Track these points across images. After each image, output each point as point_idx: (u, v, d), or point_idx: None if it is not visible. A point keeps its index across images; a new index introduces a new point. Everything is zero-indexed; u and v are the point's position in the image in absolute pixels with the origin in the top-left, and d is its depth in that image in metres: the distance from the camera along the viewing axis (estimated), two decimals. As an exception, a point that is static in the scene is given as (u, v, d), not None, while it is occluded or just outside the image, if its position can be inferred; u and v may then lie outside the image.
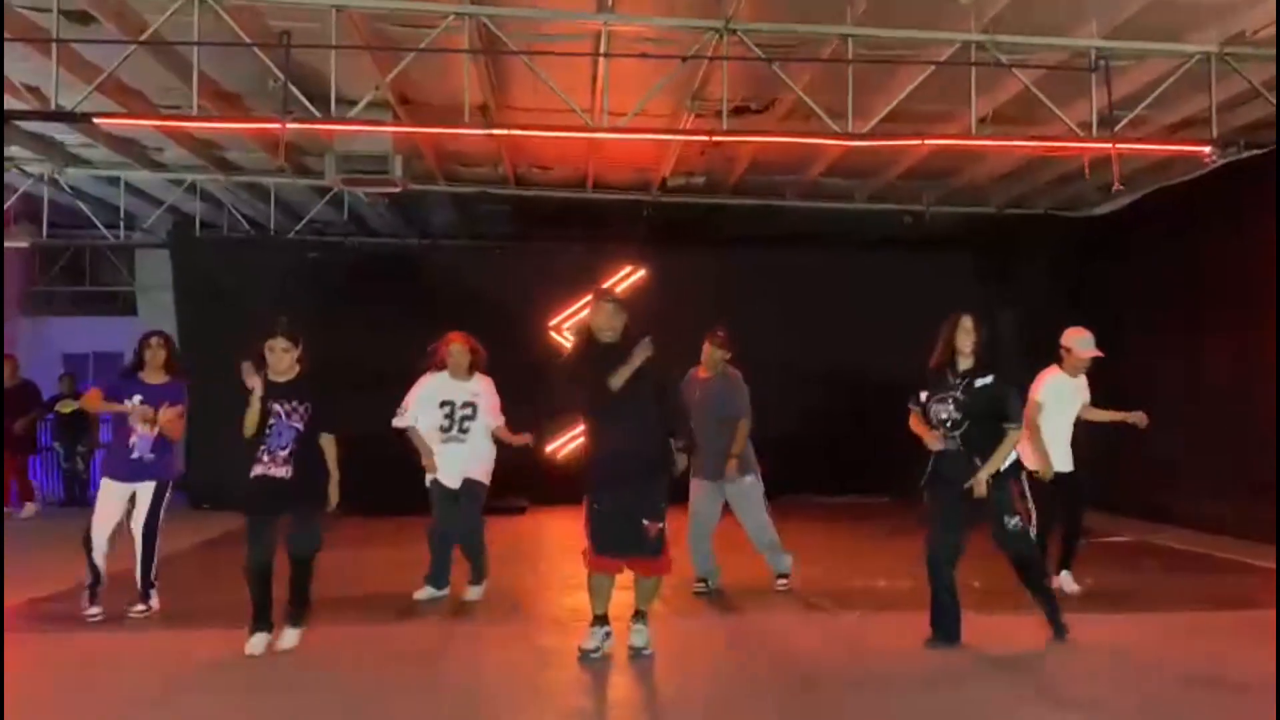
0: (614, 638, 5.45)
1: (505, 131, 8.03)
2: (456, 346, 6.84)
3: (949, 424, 5.44)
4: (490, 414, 6.88)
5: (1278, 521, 8.37)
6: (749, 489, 6.94)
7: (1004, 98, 7.89)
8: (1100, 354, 6.74)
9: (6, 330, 12.87)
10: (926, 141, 7.84)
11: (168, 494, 6.45)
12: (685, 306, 11.34)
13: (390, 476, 10.62)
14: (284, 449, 5.51)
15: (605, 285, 5.78)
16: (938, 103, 8.09)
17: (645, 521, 5.23)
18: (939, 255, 12.83)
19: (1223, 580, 7.67)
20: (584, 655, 5.35)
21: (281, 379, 5.58)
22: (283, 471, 5.50)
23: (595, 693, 4.93)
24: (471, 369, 6.88)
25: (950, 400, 5.45)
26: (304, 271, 12.38)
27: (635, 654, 5.34)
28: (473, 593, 6.81)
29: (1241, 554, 8.48)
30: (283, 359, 5.54)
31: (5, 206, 11.42)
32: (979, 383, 5.43)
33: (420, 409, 6.82)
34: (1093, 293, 12.02)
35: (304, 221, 12.99)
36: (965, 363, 5.48)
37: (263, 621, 5.48)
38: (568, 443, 12.73)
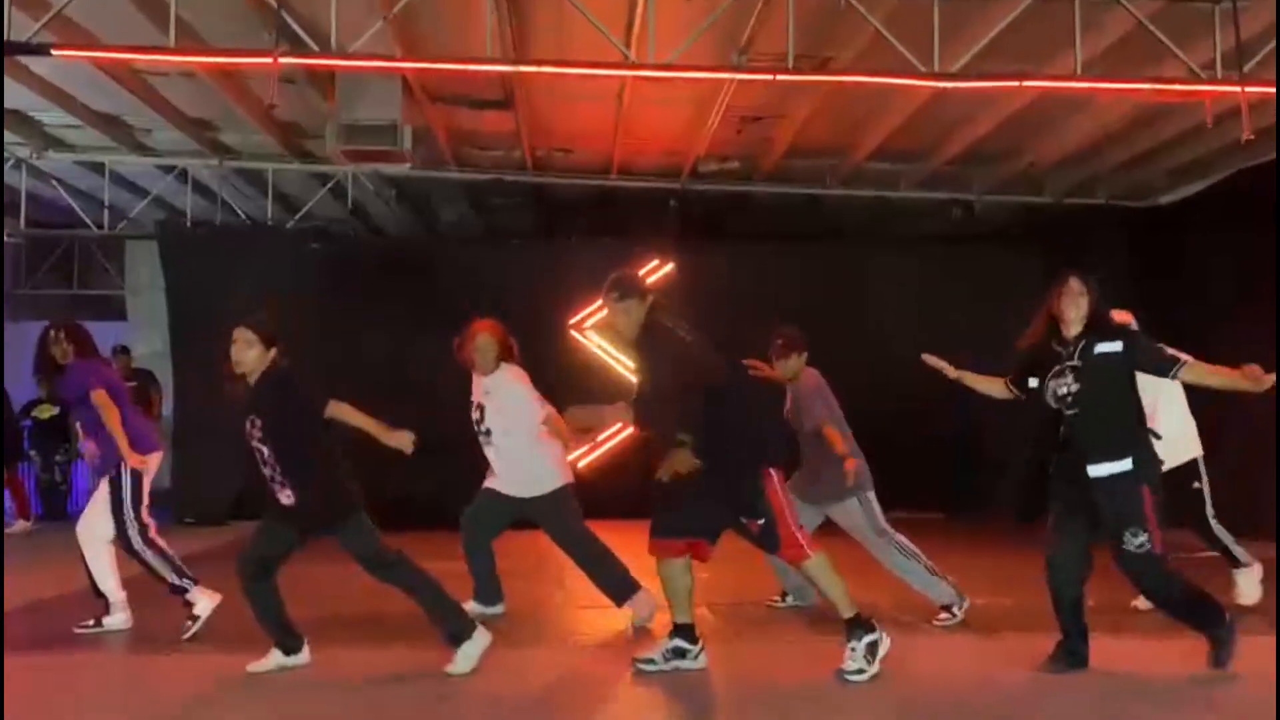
0: (699, 662, 4.59)
1: (531, 69, 7.05)
2: (482, 338, 5.82)
3: (1067, 399, 4.49)
4: (512, 413, 5.78)
5: (1277, 525, 7.78)
6: (850, 511, 5.77)
7: (1098, 47, 6.90)
8: None
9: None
10: (1025, 84, 6.83)
11: (122, 486, 5.54)
12: (716, 304, 10.40)
13: (406, 488, 9.73)
14: (275, 478, 4.53)
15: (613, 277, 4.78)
16: (1025, 59, 7.12)
17: (744, 520, 4.44)
18: (992, 250, 11.90)
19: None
20: (634, 665, 4.57)
21: (252, 382, 4.61)
22: (286, 499, 4.54)
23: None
24: (498, 361, 5.85)
25: (1068, 371, 4.51)
26: (305, 267, 11.41)
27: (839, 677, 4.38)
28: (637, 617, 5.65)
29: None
30: (242, 354, 4.55)
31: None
32: (1100, 349, 4.49)
33: None
34: (1163, 290, 11.07)
35: (302, 212, 12.02)
36: (1075, 329, 4.55)
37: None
38: (587, 454, 11.78)
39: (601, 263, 11.36)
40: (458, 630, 4.53)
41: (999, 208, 11.74)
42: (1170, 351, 4.62)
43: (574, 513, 5.77)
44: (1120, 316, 5.70)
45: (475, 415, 5.87)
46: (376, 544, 4.54)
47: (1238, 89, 6.40)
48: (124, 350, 11.22)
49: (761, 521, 4.38)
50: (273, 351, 4.59)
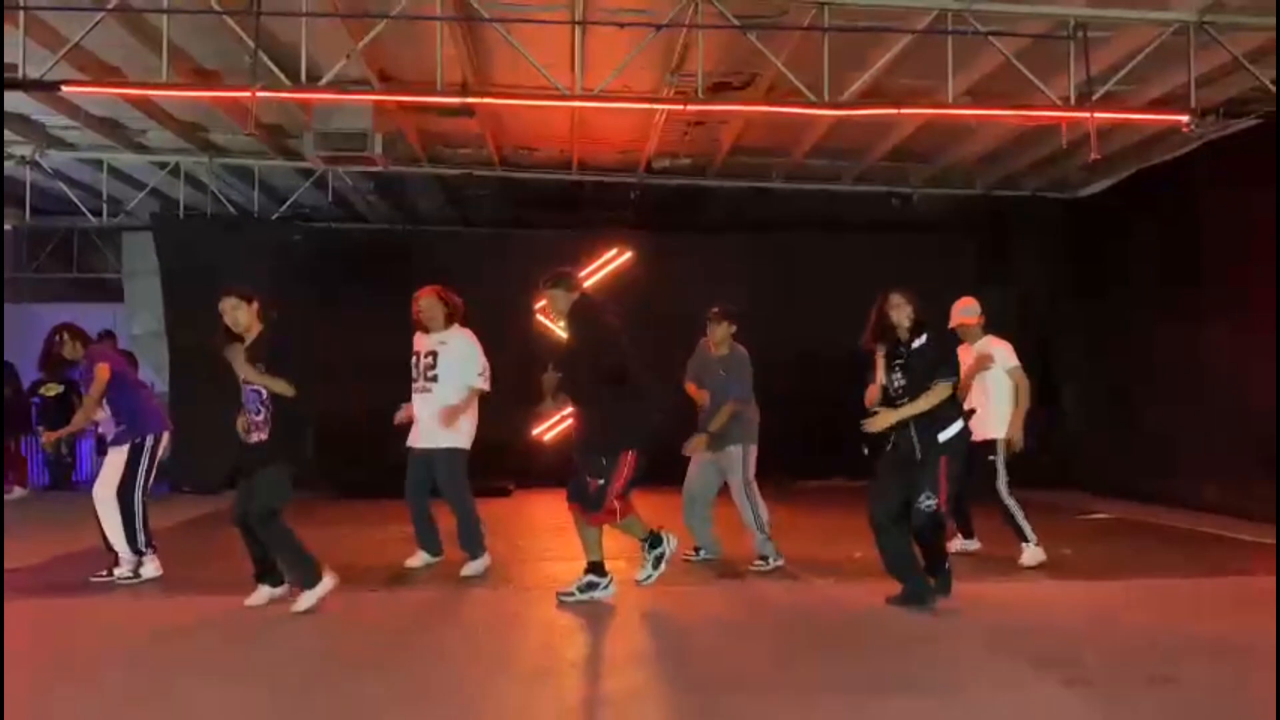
0: (609, 590, 5.70)
1: (483, 100, 7.95)
2: (425, 300, 6.70)
3: (899, 390, 5.51)
4: (460, 367, 6.59)
5: (1278, 496, 8.14)
6: (733, 459, 6.77)
7: (983, 71, 7.81)
8: (967, 321, 6.97)
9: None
10: (904, 112, 7.75)
11: (143, 455, 6.47)
12: (673, 288, 11.35)
13: (375, 458, 10.61)
14: (257, 415, 5.47)
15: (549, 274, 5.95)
16: (918, 77, 8.02)
17: (587, 478, 5.57)
18: (928, 237, 12.76)
19: (1215, 552, 7.49)
20: (557, 598, 5.73)
21: (249, 340, 5.57)
22: (256, 437, 5.48)
23: (554, 652, 4.89)
24: (449, 320, 6.68)
25: (897, 367, 5.56)
26: (290, 255, 12.29)
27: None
28: (469, 568, 6.61)
29: (1239, 531, 8.21)
30: (235, 317, 5.51)
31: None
32: (916, 344, 5.53)
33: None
34: (1086, 273, 11.98)
35: (287, 204, 12.89)
36: (904, 333, 5.55)
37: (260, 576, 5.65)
38: (554, 425, 12.68)
39: (567, 251, 12.42)
40: (309, 582, 5.45)
41: (934, 199, 12.64)
42: (946, 368, 5.51)
43: (465, 474, 6.65)
44: (963, 304, 6.81)
45: (427, 360, 6.63)
46: (275, 504, 5.38)
47: (1087, 115, 7.32)
48: (109, 334, 12.11)
49: (601, 483, 5.50)
50: (255, 304, 5.59)
